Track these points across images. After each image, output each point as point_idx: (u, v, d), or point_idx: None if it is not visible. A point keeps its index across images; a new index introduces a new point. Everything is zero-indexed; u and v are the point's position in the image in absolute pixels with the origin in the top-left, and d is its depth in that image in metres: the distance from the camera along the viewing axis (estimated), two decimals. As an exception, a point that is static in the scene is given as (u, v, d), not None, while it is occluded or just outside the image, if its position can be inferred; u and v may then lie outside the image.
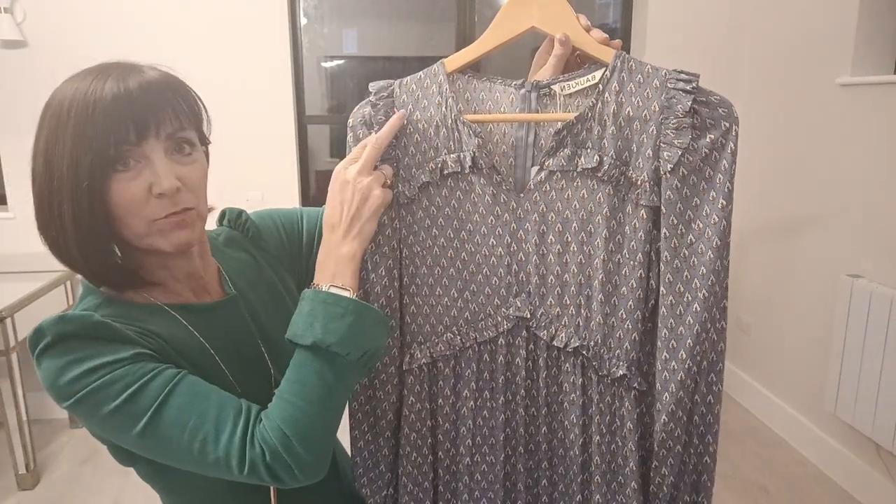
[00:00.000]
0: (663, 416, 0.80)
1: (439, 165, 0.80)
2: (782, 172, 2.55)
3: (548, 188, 0.80)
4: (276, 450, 0.66)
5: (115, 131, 0.66)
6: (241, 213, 0.91)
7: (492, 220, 0.82)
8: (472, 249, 0.83)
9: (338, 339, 0.68)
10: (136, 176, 0.68)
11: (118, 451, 0.74)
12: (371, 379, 0.87)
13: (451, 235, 0.83)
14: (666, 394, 0.79)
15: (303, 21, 2.81)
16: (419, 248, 0.84)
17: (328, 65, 3.61)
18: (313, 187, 2.96)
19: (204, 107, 0.76)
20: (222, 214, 0.93)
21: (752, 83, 2.70)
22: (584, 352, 0.81)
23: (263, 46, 2.65)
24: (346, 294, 0.70)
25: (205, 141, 0.77)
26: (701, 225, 0.76)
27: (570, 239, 0.80)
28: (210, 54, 2.59)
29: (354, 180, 0.73)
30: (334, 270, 0.72)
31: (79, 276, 0.75)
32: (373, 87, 0.82)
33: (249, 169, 2.62)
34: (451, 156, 0.80)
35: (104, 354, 0.66)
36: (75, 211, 0.67)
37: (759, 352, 2.76)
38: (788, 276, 2.54)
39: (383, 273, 0.84)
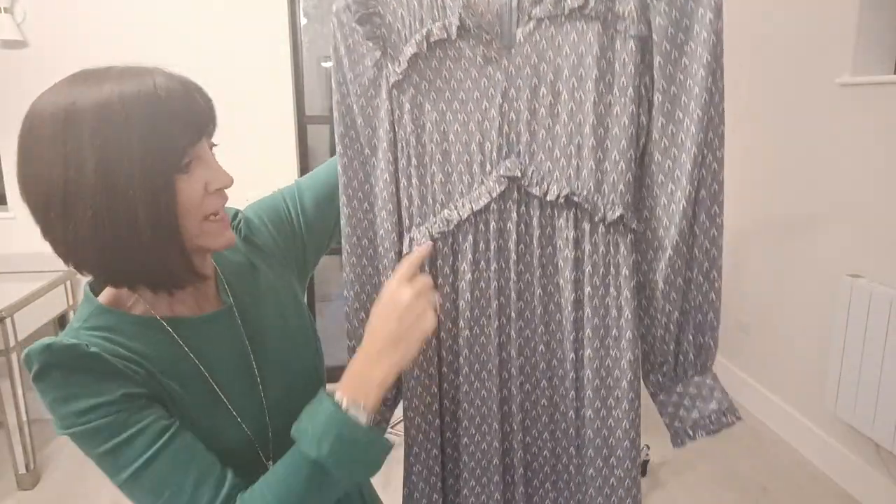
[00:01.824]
0: (668, 252, 0.80)
1: (425, 35, 0.80)
2: (782, 172, 2.55)
3: (538, 38, 0.80)
4: None
5: (181, 130, 0.66)
6: (236, 213, 0.89)
7: (484, 83, 0.82)
8: (465, 119, 0.83)
9: (340, 463, 0.68)
10: (193, 176, 0.68)
11: None
12: (376, 266, 0.88)
13: (444, 108, 0.84)
14: (672, 227, 0.80)
15: (303, 21, 2.80)
16: (413, 127, 0.84)
17: (328, 65, 3.61)
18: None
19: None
20: None
21: (752, 83, 2.70)
22: (575, 198, 0.81)
23: (263, 46, 2.65)
24: (363, 419, 0.70)
25: None
26: (693, 45, 0.76)
27: (561, 88, 0.81)
28: (210, 54, 2.59)
29: (412, 300, 0.73)
30: (363, 390, 0.72)
31: (83, 281, 0.74)
32: None
33: (249, 169, 2.60)
34: (437, 24, 0.80)
35: (90, 395, 0.66)
36: (151, 213, 0.64)
37: (759, 352, 2.76)
38: (788, 276, 2.54)
39: (380, 156, 0.85)
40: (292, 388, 0.84)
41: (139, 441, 0.66)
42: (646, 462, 2.36)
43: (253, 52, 2.64)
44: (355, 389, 0.72)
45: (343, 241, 0.90)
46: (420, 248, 0.82)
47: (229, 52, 2.62)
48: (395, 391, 0.93)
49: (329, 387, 0.74)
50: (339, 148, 0.87)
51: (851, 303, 2.10)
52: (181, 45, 2.58)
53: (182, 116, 0.66)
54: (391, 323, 0.73)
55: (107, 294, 0.75)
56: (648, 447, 2.40)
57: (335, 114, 0.87)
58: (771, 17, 2.59)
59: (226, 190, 0.74)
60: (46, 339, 0.66)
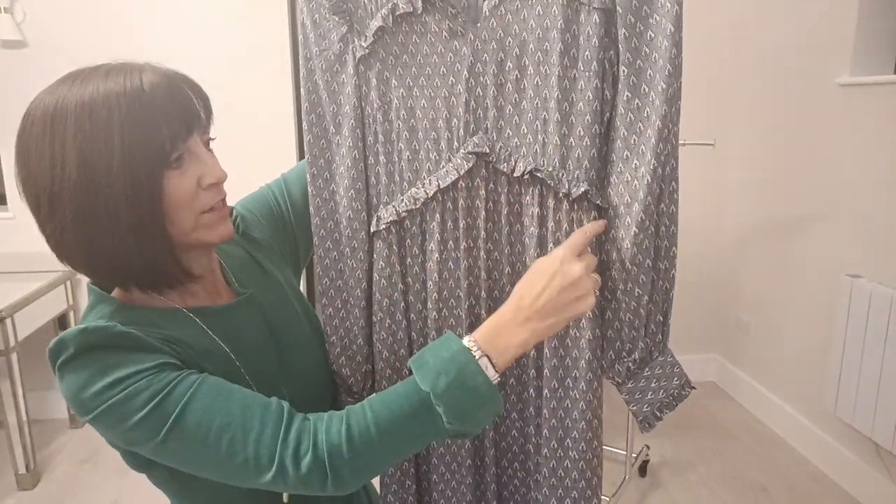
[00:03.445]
0: (633, 229, 0.79)
1: (391, 9, 0.81)
2: (782, 172, 2.55)
3: (503, 11, 0.80)
4: (322, 454, 0.64)
5: (168, 125, 0.65)
6: (230, 210, 0.90)
7: (450, 57, 0.82)
8: (431, 94, 0.83)
9: (451, 407, 0.66)
10: (185, 171, 0.68)
11: (134, 457, 0.73)
12: (341, 250, 0.87)
13: (410, 83, 0.84)
14: (636, 203, 0.79)
15: (303, 21, 2.81)
16: (380, 103, 0.84)
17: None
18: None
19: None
20: None
21: (752, 83, 2.70)
22: (539, 174, 0.81)
23: (263, 47, 2.65)
24: (489, 374, 0.67)
25: None
26: (657, 17, 0.76)
27: (527, 62, 0.81)
28: (210, 55, 2.59)
29: (583, 277, 0.70)
30: (499, 347, 0.69)
31: (85, 283, 0.73)
32: None
33: (249, 170, 2.61)
34: None
35: (128, 365, 0.64)
36: (134, 210, 0.64)
37: (759, 352, 2.76)
38: (788, 276, 2.54)
39: (346, 133, 0.84)
40: (310, 379, 0.84)
41: (177, 391, 0.64)
42: (646, 462, 2.36)
43: (253, 52, 2.64)
44: (491, 343, 0.69)
45: (311, 218, 0.89)
46: (596, 224, 0.79)
47: (229, 52, 2.62)
48: (371, 382, 0.91)
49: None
50: (305, 125, 0.87)
51: (851, 303, 2.10)
52: (181, 44, 2.58)
53: (168, 111, 0.65)
54: (552, 290, 0.70)
55: (120, 290, 0.75)
56: (648, 447, 2.40)
57: (302, 90, 0.86)
58: (771, 17, 2.59)
59: (225, 188, 0.73)
60: (77, 326, 0.66)
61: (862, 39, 2.13)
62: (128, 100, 0.63)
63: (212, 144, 0.77)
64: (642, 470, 2.35)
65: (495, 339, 0.69)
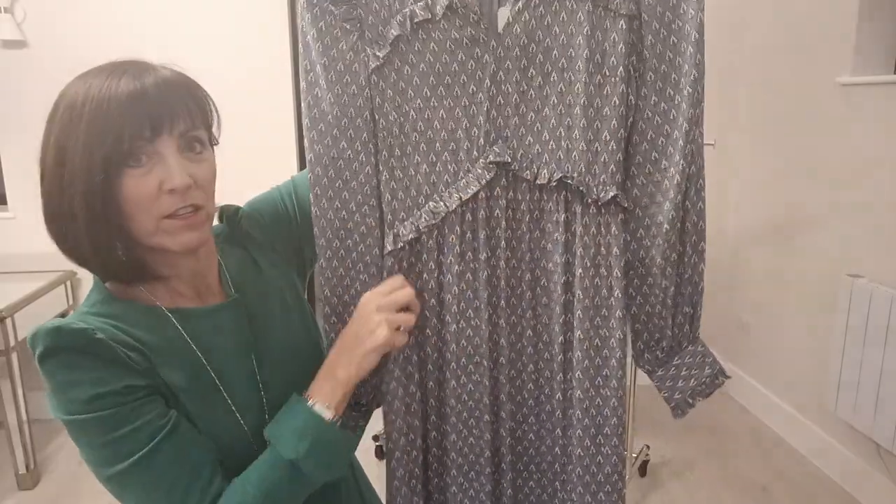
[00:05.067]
0: (665, 226, 0.81)
1: (408, 16, 0.78)
2: (782, 172, 2.55)
3: (527, 17, 0.78)
4: None
5: (129, 127, 0.66)
6: (237, 210, 0.90)
7: (471, 65, 0.80)
8: (450, 104, 0.81)
9: (317, 463, 0.73)
10: (148, 172, 0.68)
11: None
12: (348, 267, 0.86)
13: (428, 94, 0.81)
14: (667, 202, 0.80)
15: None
16: (396, 116, 0.81)
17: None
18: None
19: (215, 108, 0.77)
20: (220, 212, 0.91)
21: (753, 83, 2.70)
22: (569, 181, 0.80)
23: (264, 48, 2.65)
24: (331, 415, 0.74)
25: (214, 141, 0.77)
26: (680, 23, 0.76)
27: (550, 68, 0.79)
28: (210, 56, 2.58)
29: (371, 313, 0.77)
30: (329, 390, 0.76)
31: (85, 282, 0.74)
32: None
33: (249, 171, 2.60)
34: (419, 3, 0.77)
35: (93, 383, 0.67)
36: (87, 204, 0.67)
37: (759, 352, 2.76)
38: (789, 275, 2.54)
39: (359, 148, 0.82)
40: (296, 389, 0.84)
41: (137, 437, 0.68)
42: (646, 462, 2.36)
43: (253, 54, 2.64)
44: (323, 390, 0.76)
45: (315, 240, 0.87)
46: (410, 292, 0.79)
47: (230, 54, 2.62)
48: (371, 397, 0.90)
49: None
50: (307, 141, 0.84)
51: (851, 303, 2.10)
52: (182, 46, 2.58)
53: (132, 111, 0.67)
54: (352, 328, 0.78)
55: (114, 283, 0.76)
56: (648, 447, 2.40)
57: (302, 104, 0.83)
58: (771, 17, 2.59)
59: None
60: (56, 321, 0.67)
61: (862, 39, 2.13)
62: (99, 99, 0.66)
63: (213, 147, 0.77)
64: (642, 470, 2.35)
65: (326, 385, 0.76)
